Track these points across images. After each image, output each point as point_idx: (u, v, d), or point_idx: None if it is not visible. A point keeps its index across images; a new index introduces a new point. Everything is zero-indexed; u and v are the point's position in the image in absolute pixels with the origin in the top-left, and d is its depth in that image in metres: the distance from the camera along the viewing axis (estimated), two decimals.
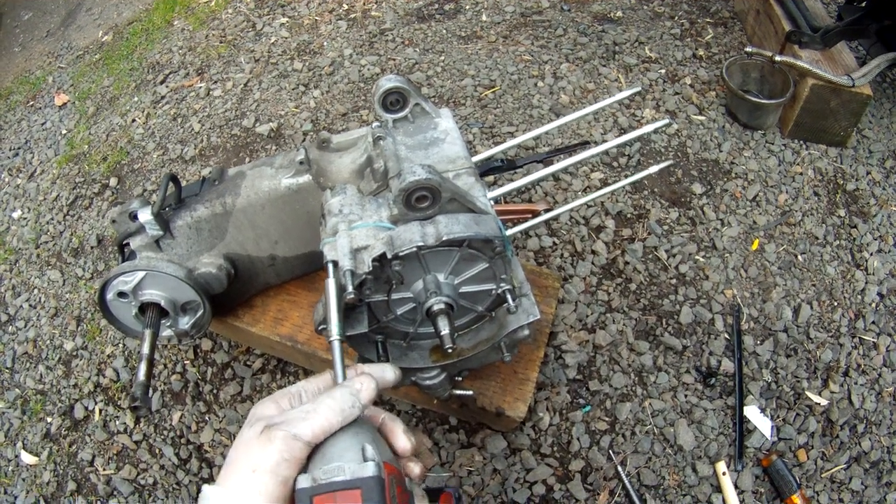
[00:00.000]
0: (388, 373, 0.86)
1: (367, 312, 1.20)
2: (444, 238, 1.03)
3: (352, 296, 1.02)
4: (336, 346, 0.86)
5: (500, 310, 1.26)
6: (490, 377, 1.45)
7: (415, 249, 1.04)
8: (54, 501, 1.65)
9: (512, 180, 1.28)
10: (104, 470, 1.65)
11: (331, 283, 0.99)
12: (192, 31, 2.82)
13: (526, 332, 1.23)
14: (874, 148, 2.34)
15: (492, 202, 1.25)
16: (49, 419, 1.77)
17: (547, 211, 1.30)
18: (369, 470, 0.67)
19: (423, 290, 1.13)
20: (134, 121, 2.46)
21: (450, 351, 1.10)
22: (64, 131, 2.60)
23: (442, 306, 1.12)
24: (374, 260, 1.06)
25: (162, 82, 2.60)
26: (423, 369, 1.30)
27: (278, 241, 1.42)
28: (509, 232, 1.24)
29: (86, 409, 1.76)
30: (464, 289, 1.18)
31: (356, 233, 1.11)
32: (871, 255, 2.03)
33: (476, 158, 1.29)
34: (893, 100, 2.57)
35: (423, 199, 1.05)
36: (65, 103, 2.73)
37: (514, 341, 1.27)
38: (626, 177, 1.32)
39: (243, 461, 0.71)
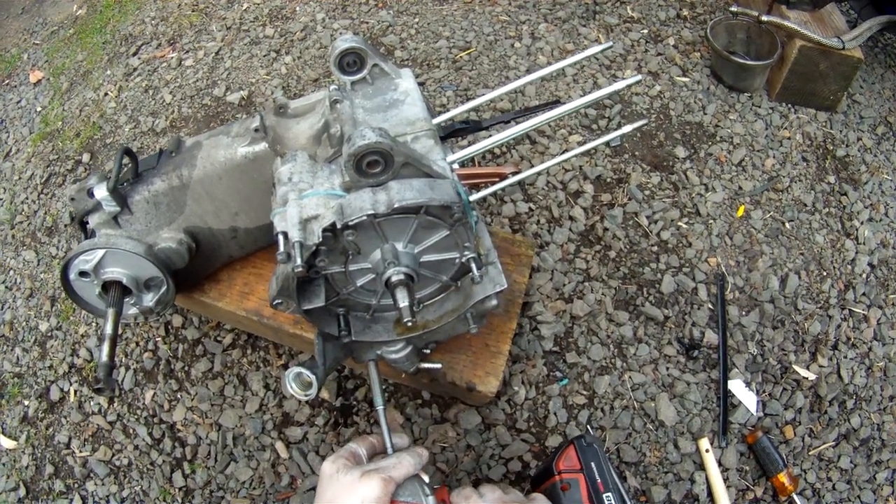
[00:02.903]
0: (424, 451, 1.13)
1: (324, 285, 1.15)
2: (395, 205, 0.98)
3: (300, 269, 0.98)
4: (381, 413, 1.15)
5: (466, 279, 1.22)
6: (460, 350, 1.40)
7: (365, 218, 0.99)
8: (34, 486, 1.62)
9: (474, 142, 1.23)
10: (80, 452, 1.63)
11: (372, 367, 1.23)
12: (165, 0, 2.75)
13: (494, 302, 1.18)
14: (865, 113, 2.28)
15: (456, 165, 1.19)
16: (26, 402, 1.74)
17: (514, 174, 1.24)
18: (431, 500, 1.02)
19: (381, 260, 1.08)
20: (106, 94, 2.40)
21: (409, 324, 1.06)
22: (39, 108, 2.54)
23: (401, 277, 1.07)
24: (324, 230, 1.01)
25: (134, 54, 2.54)
26: (388, 342, 1.26)
27: (238, 212, 1.37)
28: (474, 197, 1.19)
29: (61, 390, 1.73)
30: (425, 258, 1.13)
31: (306, 202, 1.05)
32: (862, 223, 1.98)
33: (439, 119, 1.24)
34: (885, 64, 2.51)
35: (375, 164, 1.00)
36: (39, 80, 2.67)
37: (482, 312, 1.23)
38: (608, 141, 1.27)
39: (349, 497, 0.96)
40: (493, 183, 1.24)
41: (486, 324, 1.40)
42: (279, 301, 1.12)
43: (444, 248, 1.12)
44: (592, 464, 1.22)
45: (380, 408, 1.16)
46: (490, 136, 1.20)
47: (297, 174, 1.12)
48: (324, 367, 1.17)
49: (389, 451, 1.10)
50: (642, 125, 1.22)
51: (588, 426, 1.55)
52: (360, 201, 1.00)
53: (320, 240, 1.01)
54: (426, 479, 1.06)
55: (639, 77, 1.19)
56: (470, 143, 1.19)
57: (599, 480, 1.19)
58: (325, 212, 1.03)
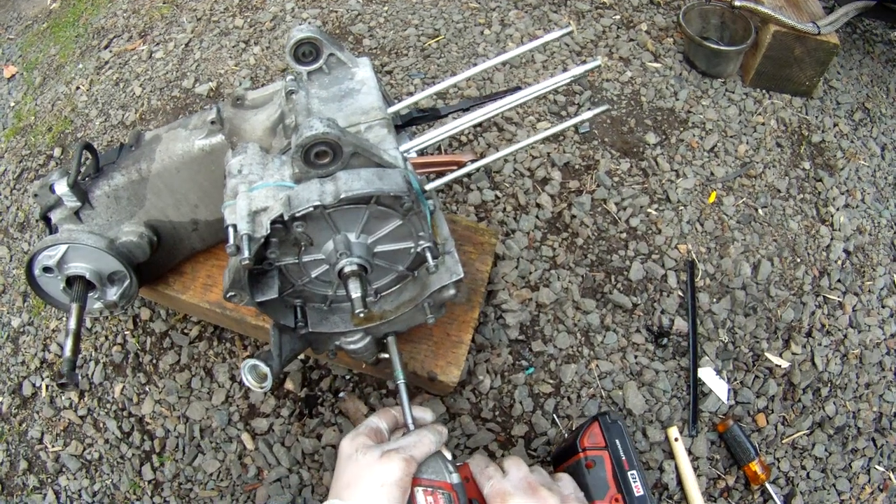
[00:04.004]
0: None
1: (278, 277, 1.15)
2: (342, 195, 0.98)
3: (247, 262, 0.97)
4: (402, 387, 1.14)
5: (423, 269, 1.21)
6: (421, 340, 1.40)
7: (312, 209, 0.98)
8: (8, 481, 1.62)
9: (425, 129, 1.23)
10: (52, 447, 1.62)
11: (391, 342, 1.24)
12: None
13: (452, 291, 1.17)
14: (842, 99, 2.28)
15: (413, 154, 1.19)
16: (0, 398, 1.73)
17: (473, 161, 1.24)
18: (456, 478, 1.00)
19: (334, 251, 1.08)
20: (78, 88, 2.38)
21: (361, 315, 1.05)
22: (12, 104, 2.52)
23: (354, 268, 1.07)
24: (273, 222, 1.00)
25: (106, 47, 2.51)
26: (346, 333, 1.26)
27: (198, 204, 1.36)
28: (430, 185, 1.18)
29: (33, 385, 1.72)
30: (379, 248, 1.12)
31: (256, 194, 1.05)
32: (838, 209, 1.97)
33: (395, 108, 1.23)
34: (864, 50, 2.50)
35: (323, 154, 0.99)
36: (13, 75, 2.65)
37: (440, 302, 1.22)
38: (576, 127, 1.25)
39: (369, 478, 0.93)
40: (452, 171, 1.23)
41: (448, 313, 1.40)
42: (232, 293, 1.11)
43: (398, 237, 1.12)
44: (617, 441, 1.23)
45: (400, 382, 1.15)
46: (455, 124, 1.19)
47: (246, 166, 1.11)
48: (279, 358, 1.16)
49: (410, 427, 1.08)
50: (603, 111, 1.21)
51: (555, 415, 1.54)
52: (308, 192, 1.00)
53: (269, 232, 1.00)
54: (448, 455, 1.05)
55: (598, 61, 1.18)
56: (424, 130, 1.20)
57: (624, 458, 1.20)
58: (274, 204, 1.02)
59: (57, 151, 2.20)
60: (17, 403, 1.71)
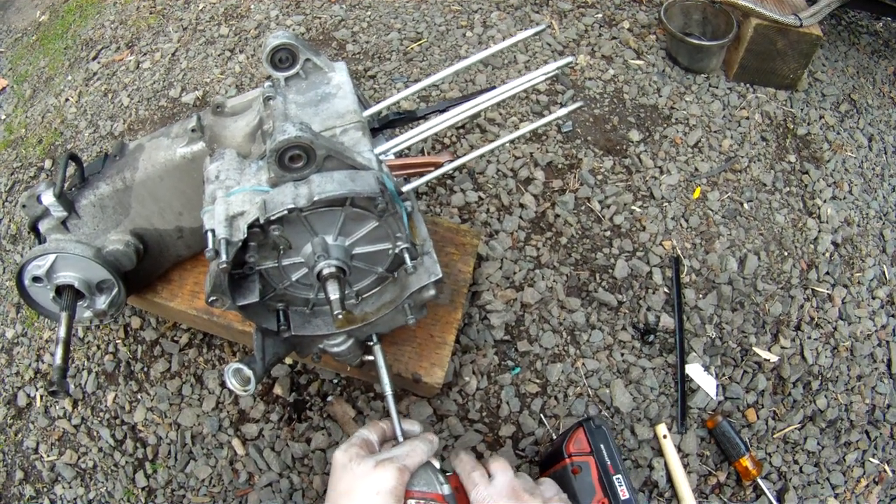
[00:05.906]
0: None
1: (259, 281, 1.16)
2: (315, 198, 0.99)
3: (225, 265, 0.98)
4: (390, 400, 1.16)
5: (402, 270, 1.22)
6: (405, 342, 1.41)
7: (286, 212, 0.99)
8: (5, 492, 1.63)
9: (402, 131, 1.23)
10: (48, 456, 1.63)
11: (378, 352, 1.25)
12: (124, 3, 2.74)
13: (431, 291, 1.19)
14: (827, 91, 2.28)
15: (391, 156, 1.20)
16: None
17: (450, 162, 1.25)
18: (447, 489, 1.02)
19: (312, 253, 1.09)
20: (67, 100, 2.40)
21: (340, 317, 1.06)
22: (3, 116, 2.54)
23: (332, 270, 1.08)
24: (250, 226, 1.01)
25: (94, 58, 2.53)
26: (329, 336, 1.26)
27: (182, 212, 1.37)
28: (408, 187, 1.19)
29: (28, 396, 1.73)
30: (357, 250, 1.13)
31: (233, 199, 1.06)
32: (825, 202, 1.97)
33: (370, 111, 1.24)
34: (849, 42, 2.51)
35: (297, 158, 1.00)
36: (3, 88, 2.67)
37: (421, 302, 1.23)
38: (559, 126, 1.25)
39: (365, 487, 0.96)
40: (428, 172, 1.24)
41: (431, 314, 1.41)
42: (214, 298, 1.12)
43: (375, 239, 1.13)
44: (602, 446, 1.25)
45: (388, 394, 1.17)
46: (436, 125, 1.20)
47: (224, 172, 1.12)
48: (263, 362, 1.17)
49: (399, 439, 1.10)
50: (577, 108, 1.22)
51: (542, 414, 1.55)
52: (283, 196, 1.01)
53: (245, 235, 1.01)
54: (437, 464, 1.06)
55: (571, 58, 1.19)
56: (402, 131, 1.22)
57: (609, 463, 1.23)
58: (251, 208, 1.03)
59: (47, 163, 2.22)
60: (13, 414, 1.72)
